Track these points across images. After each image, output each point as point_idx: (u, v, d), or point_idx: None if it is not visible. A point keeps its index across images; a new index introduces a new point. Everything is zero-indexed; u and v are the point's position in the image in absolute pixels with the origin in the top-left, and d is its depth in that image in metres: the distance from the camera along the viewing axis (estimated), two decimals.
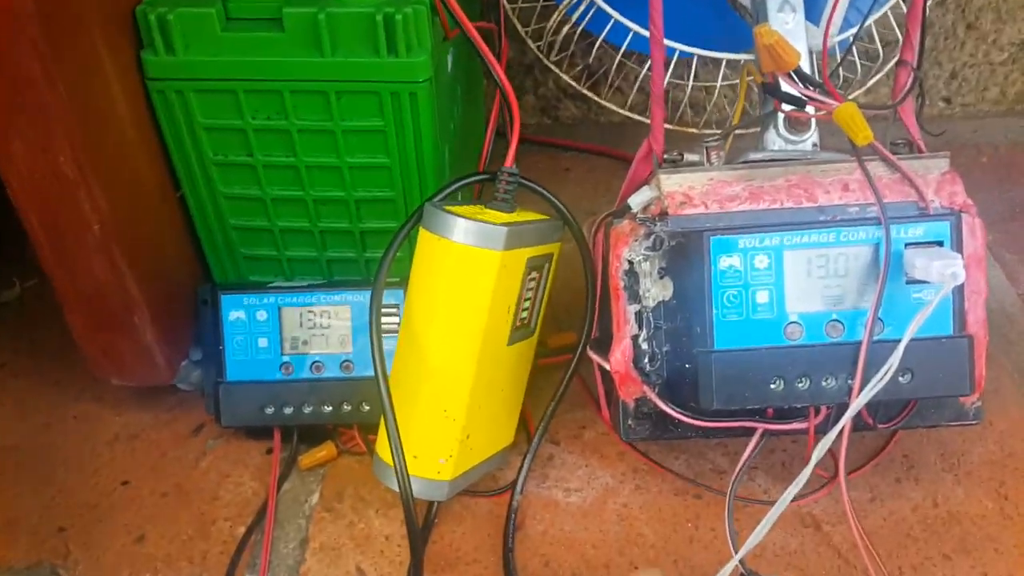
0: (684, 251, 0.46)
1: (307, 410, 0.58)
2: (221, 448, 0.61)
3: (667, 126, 0.72)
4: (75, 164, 0.48)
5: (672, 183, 0.48)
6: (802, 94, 0.47)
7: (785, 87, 0.48)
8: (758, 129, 0.53)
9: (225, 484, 0.58)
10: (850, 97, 0.66)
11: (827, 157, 0.49)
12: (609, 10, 0.61)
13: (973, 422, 0.48)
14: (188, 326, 0.60)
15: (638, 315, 0.48)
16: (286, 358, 0.58)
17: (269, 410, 0.58)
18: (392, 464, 0.49)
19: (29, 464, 0.60)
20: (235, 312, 0.58)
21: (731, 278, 0.45)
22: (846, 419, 0.41)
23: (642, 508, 0.55)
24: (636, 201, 0.49)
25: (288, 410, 0.58)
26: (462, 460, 0.51)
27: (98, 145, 0.48)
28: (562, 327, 0.64)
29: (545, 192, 0.52)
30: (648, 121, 0.71)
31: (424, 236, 0.48)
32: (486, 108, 0.84)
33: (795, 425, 0.46)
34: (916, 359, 0.43)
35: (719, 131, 0.56)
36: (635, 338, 0.48)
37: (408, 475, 0.48)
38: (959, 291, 0.45)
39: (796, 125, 0.51)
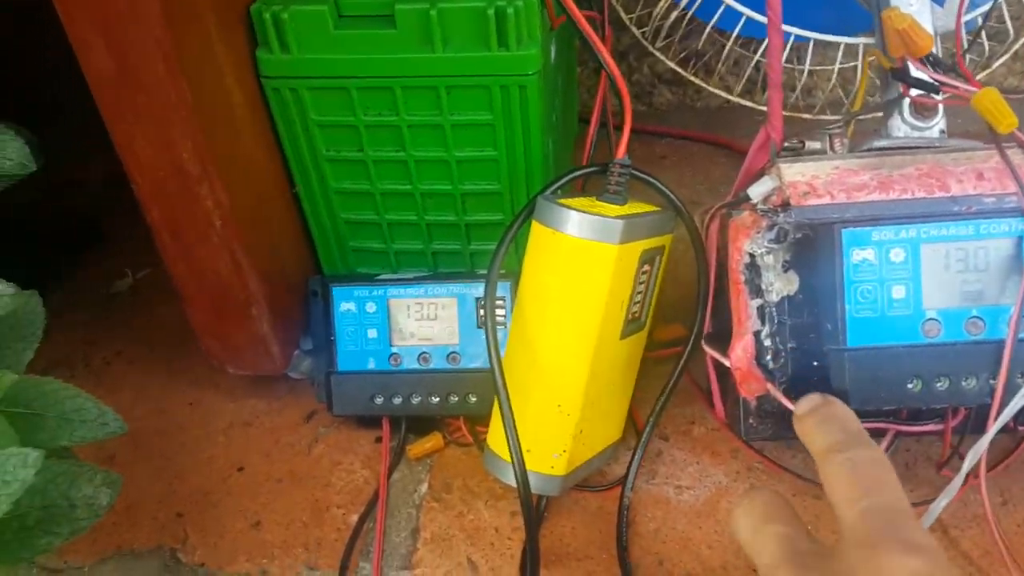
0: (812, 244, 0.45)
1: (415, 401, 0.58)
2: (332, 435, 0.62)
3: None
4: (198, 160, 0.49)
5: (794, 172, 0.46)
6: (935, 79, 0.45)
7: (916, 72, 0.46)
8: (880, 115, 0.51)
9: (337, 471, 0.59)
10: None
11: (957, 144, 0.47)
12: None
13: None
14: (299, 316, 0.61)
15: (760, 310, 0.47)
16: (395, 349, 0.58)
17: (378, 400, 0.58)
18: (506, 458, 0.50)
19: (147, 450, 0.62)
20: (346, 304, 0.58)
21: (865, 272, 0.43)
22: (1003, 421, 0.39)
23: None
24: (756, 191, 0.47)
25: (397, 400, 0.58)
26: (576, 455, 0.51)
27: (218, 142, 0.49)
28: (668, 319, 0.62)
29: (658, 183, 0.51)
30: (754, 105, 0.70)
31: (537, 229, 0.48)
32: (581, 96, 0.83)
33: (930, 427, 0.44)
34: None
35: (836, 117, 0.54)
36: (757, 334, 0.47)
37: (525, 470, 0.48)
38: None
39: (923, 111, 0.49)
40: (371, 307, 0.58)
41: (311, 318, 0.60)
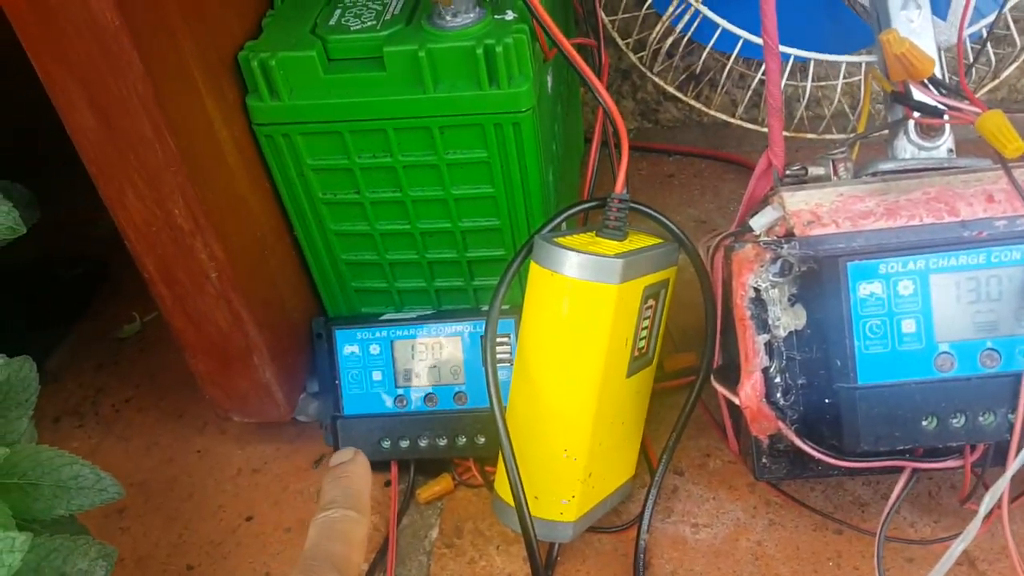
0: (818, 277, 0.43)
1: (422, 443, 0.57)
2: None
3: (784, 133, 0.69)
4: (189, 215, 0.48)
5: (797, 201, 0.45)
6: (939, 102, 0.43)
7: (918, 95, 0.45)
8: (885, 134, 0.49)
9: None
10: (982, 91, 0.60)
11: (966, 165, 0.45)
12: (716, 19, 0.58)
13: None
14: (304, 359, 0.60)
15: (768, 345, 0.45)
16: (400, 391, 0.57)
17: (386, 443, 0.57)
18: (513, 504, 0.48)
19: (157, 500, 0.62)
20: (349, 346, 0.58)
21: (873, 306, 0.42)
22: (1014, 467, 0.37)
23: (778, 546, 0.52)
24: (759, 223, 0.46)
25: (404, 443, 0.57)
26: (585, 499, 0.49)
27: (210, 194, 0.49)
28: (678, 348, 0.61)
29: (661, 216, 0.50)
30: (756, 128, 0.68)
31: (535, 271, 0.47)
32: (585, 116, 0.82)
33: (949, 463, 0.43)
34: None
35: (840, 137, 0.52)
36: (766, 370, 0.45)
37: (531, 517, 0.47)
38: None
39: (929, 131, 0.47)
40: (375, 349, 0.57)
41: (316, 360, 0.59)
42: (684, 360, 0.59)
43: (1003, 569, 0.48)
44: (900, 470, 0.44)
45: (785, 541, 0.52)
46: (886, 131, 0.50)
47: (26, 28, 0.41)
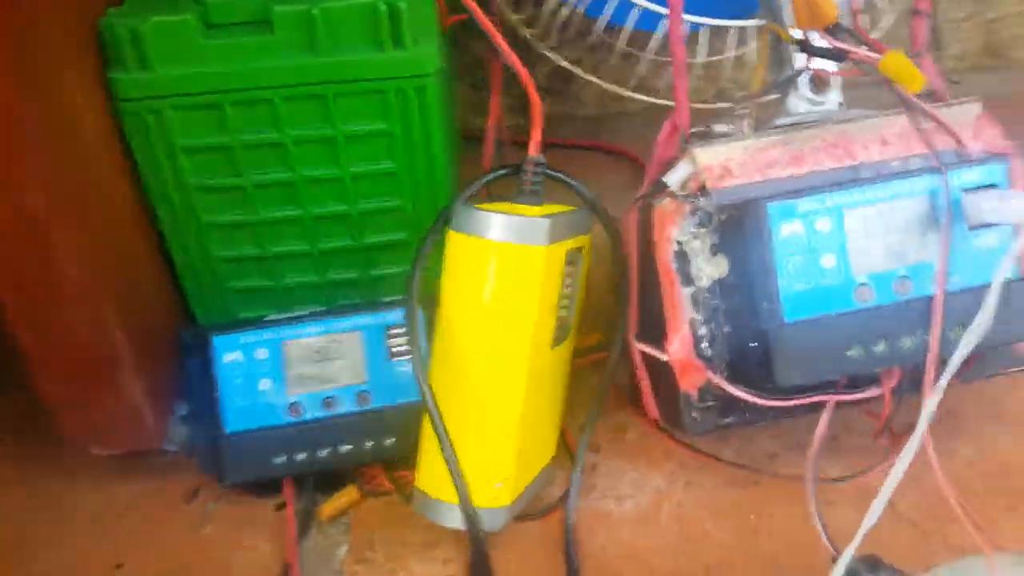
0: (739, 224, 0.44)
1: (322, 453, 0.52)
2: (224, 511, 0.54)
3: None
4: (47, 202, 0.41)
5: (708, 156, 0.46)
6: (841, 48, 0.46)
7: (821, 43, 0.47)
8: (777, 96, 0.52)
9: (237, 552, 0.51)
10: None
11: (855, 114, 0.48)
12: None
13: None
14: (171, 377, 0.53)
15: (693, 298, 0.45)
16: (293, 398, 0.52)
17: (280, 459, 0.52)
18: (441, 497, 0.45)
19: (6, 557, 0.51)
20: (230, 354, 0.51)
21: (794, 245, 0.43)
22: (952, 368, 0.39)
23: (700, 505, 0.52)
24: (674, 179, 0.46)
25: (301, 456, 0.52)
26: (518, 481, 0.47)
27: (70, 179, 0.42)
28: (582, 327, 0.60)
29: (572, 181, 0.49)
30: (652, 100, 0.70)
31: (456, 240, 0.44)
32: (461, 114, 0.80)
33: (870, 392, 0.45)
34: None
35: (734, 103, 0.54)
36: (692, 323, 0.45)
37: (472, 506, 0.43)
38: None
39: (820, 85, 0.50)
40: (262, 353, 0.52)
41: (186, 378, 0.53)
42: (589, 339, 0.59)
43: (910, 500, 0.50)
44: (823, 407, 0.46)
45: (706, 500, 0.52)
46: (776, 94, 0.52)
47: None
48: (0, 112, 0.38)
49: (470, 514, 0.43)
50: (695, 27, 0.61)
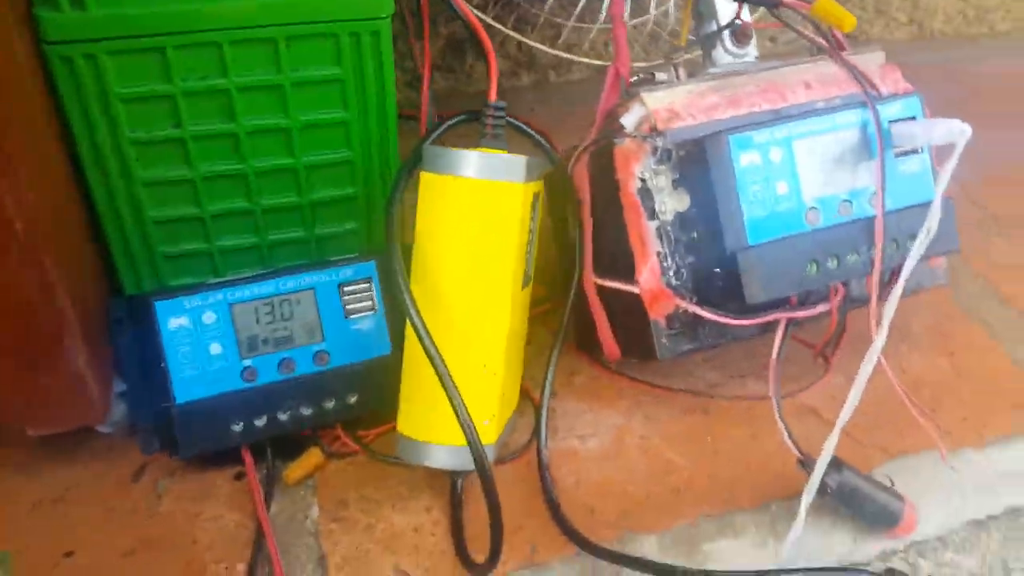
0: (698, 158, 0.46)
1: (283, 417, 0.50)
2: (177, 486, 0.51)
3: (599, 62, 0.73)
4: None
5: (656, 99, 0.48)
6: None
7: None
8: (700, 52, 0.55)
9: (199, 523, 0.49)
10: None
11: (775, 64, 0.52)
12: None
13: (943, 283, 0.54)
14: (108, 352, 0.49)
15: (658, 231, 0.47)
16: (247, 362, 0.49)
17: (237, 426, 0.49)
18: (427, 439, 0.46)
19: None
20: (175, 319, 0.48)
21: (753, 174, 0.46)
22: (904, 277, 0.43)
23: (659, 435, 0.54)
24: (629, 121, 0.48)
25: (260, 421, 0.50)
26: (501, 418, 0.47)
27: (14, 126, 0.38)
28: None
29: (527, 128, 0.50)
30: (570, 57, 0.71)
31: (431, 181, 0.44)
32: None
33: (819, 308, 0.48)
34: (920, 221, 0.47)
35: (665, 57, 0.56)
36: (659, 255, 0.47)
37: (453, 448, 0.43)
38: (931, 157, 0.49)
39: (741, 39, 0.54)
40: (209, 317, 0.49)
41: (120, 352, 0.49)
42: (535, 291, 0.59)
43: (836, 410, 0.55)
44: (775, 327, 0.49)
45: (664, 430, 0.55)
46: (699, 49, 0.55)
47: None
48: None
49: (477, 446, 0.42)
50: None
